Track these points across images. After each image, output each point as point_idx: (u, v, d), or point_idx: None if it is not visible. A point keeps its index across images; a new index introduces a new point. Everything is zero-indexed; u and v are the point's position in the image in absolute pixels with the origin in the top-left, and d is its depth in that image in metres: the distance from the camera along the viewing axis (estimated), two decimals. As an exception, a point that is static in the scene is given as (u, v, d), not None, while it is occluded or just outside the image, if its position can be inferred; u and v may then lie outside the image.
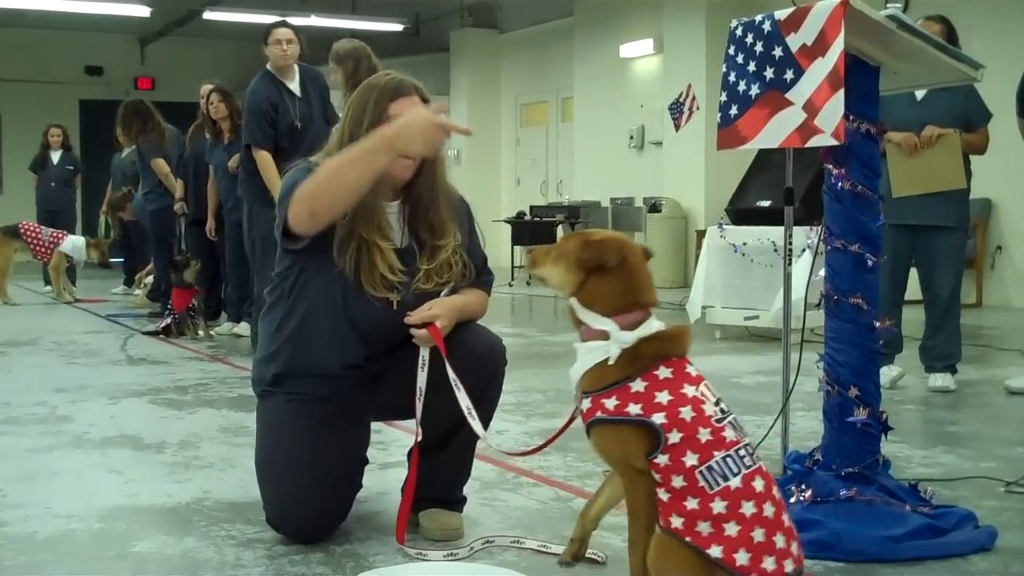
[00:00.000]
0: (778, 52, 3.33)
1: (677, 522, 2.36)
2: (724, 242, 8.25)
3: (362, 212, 3.04)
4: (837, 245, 3.34)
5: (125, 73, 21.53)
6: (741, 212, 8.82)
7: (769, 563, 2.33)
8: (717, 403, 2.48)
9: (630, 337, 2.47)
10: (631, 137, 16.09)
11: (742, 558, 2.31)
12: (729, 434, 2.42)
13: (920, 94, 5.80)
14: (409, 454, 3.36)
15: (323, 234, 3.00)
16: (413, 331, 3.10)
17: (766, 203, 8.50)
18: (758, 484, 2.38)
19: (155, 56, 21.58)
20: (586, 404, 2.51)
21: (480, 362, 3.20)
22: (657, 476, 2.40)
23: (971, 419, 5.21)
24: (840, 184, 3.33)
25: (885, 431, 3.34)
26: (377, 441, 4.35)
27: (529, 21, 18.53)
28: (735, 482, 2.36)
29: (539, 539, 3.14)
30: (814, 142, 3.28)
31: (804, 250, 7.17)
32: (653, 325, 2.51)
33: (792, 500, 3.26)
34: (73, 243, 11.57)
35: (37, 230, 11.67)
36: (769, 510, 2.37)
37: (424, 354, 3.12)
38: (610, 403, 2.45)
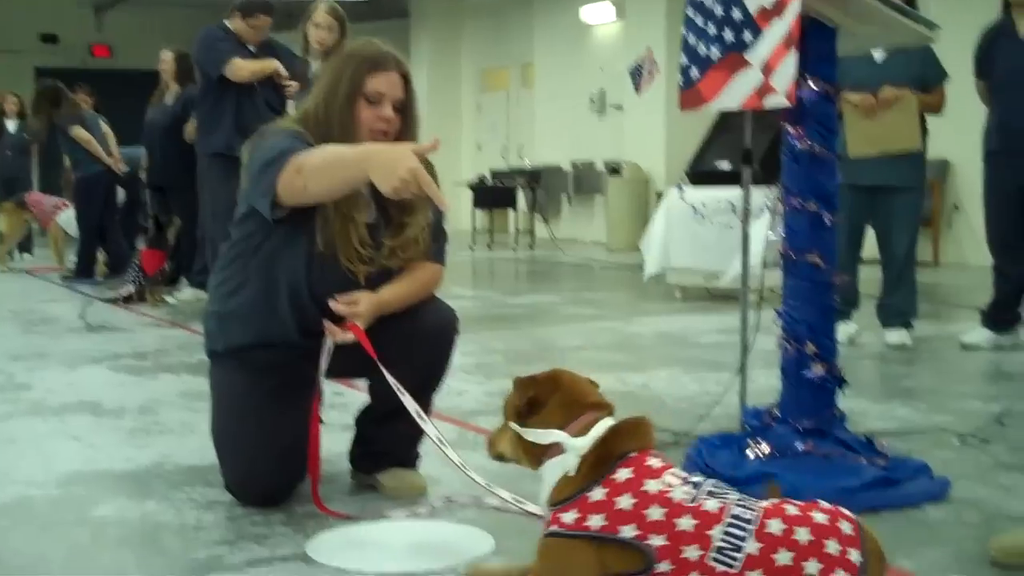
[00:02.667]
0: (737, 14, 3.34)
1: None
2: (684, 204, 8.28)
3: None
4: (794, 204, 3.36)
5: (81, 40, 21.26)
6: (700, 174, 8.84)
7: None
8: (686, 482, 2.23)
9: (584, 442, 2.27)
10: (592, 101, 16.08)
11: None
12: (711, 505, 2.16)
13: (879, 56, 5.83)
14: (357, 420, 3.37)
15: (311, 210, 2.95)
16: (328, 326, 3.02)
17: (725, 165, 8.52)
18: (774, 527, 2.12)
19: (111, 23, 21.28)
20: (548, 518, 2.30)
21: (433, 339, 3.20)
22: None
23: (926, 374, 5.28)
24: (797, 144, 3.35)
25: (841, 386, 3.38)
26: (339, 403, 4.37)
27: (489, -15, 18.45)
28: (752, 547, 2.10)
29: (499, 496, 3.15)
30: (768, 101, 3.31)
31: (762, 210, 7.20)
32: (607, 422, 2.32)
33: (750, 455, 3.30)
34: (69, 216, 11.51)
35: (41, 200, 11.72)
36: (804, 535, 2.10)
37: (328, 344, 3.05)
38: (569, 516, 2.21)
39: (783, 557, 2.08)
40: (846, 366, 3.46)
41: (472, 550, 2.75)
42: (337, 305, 3.02)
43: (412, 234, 3.13)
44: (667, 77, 12.64)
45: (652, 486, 2.19)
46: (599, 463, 2.25)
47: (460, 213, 16.23)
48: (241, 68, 6.84)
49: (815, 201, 3.32)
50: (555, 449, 2.29)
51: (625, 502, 2.17)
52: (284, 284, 3.05)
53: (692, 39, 3.54)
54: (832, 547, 2.09)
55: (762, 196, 6.85)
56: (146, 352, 6.09)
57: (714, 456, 3.38)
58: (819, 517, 2.14)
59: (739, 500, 2.18)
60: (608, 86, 15.73)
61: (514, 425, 2.37)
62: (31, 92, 11.23)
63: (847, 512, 2.19)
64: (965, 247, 11.47)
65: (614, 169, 14.65)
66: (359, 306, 3.03)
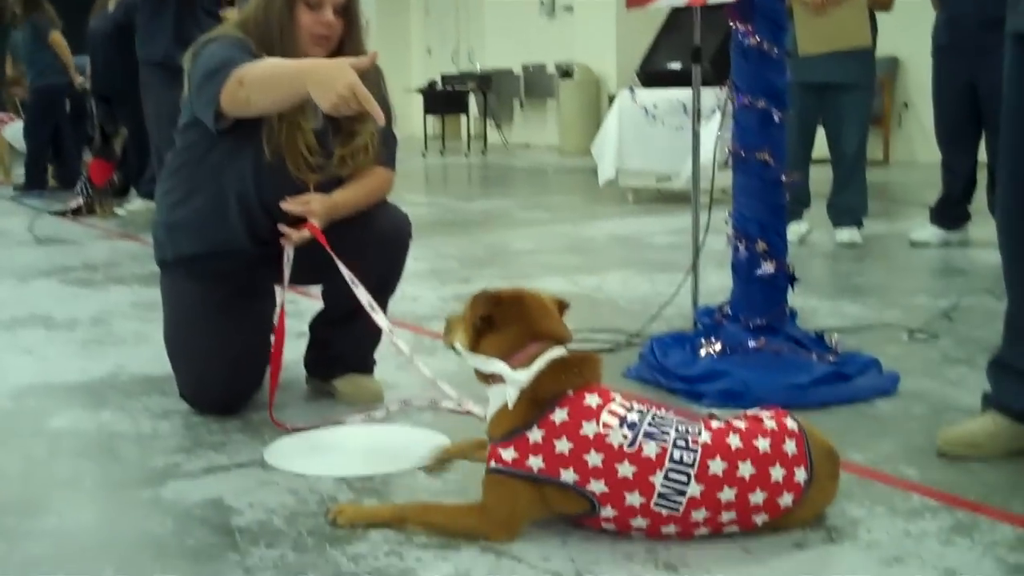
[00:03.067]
0: (682, -92, 3.31)
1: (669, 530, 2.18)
2: (635, 105, 8.25)
3: None
4: (744, 102, 3.36)
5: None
6: (651, 75, 8.81)
7: (787, 499, 2.16)
8: (623, 422, 2.16)
9: (524, 376, 2.19)
10: (541, 3, 15.91)
11: (759, 519, 2.16)
12: (650, 450, 2.12)
13: (827, -49, 5.79)
14: (311, 325, 3.38)
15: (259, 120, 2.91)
16: (283, 228, 2.99)
17: (676, 65, 8.49)
18: (716, 467, 2.12)
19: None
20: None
21: (387, 244, 3.18)
22: (609, 526, 2.19)
23: (876, 271, 5.33)
24: (747, 41, 3.34)
25: (792, 283, 3.41)
26: (292, 311, 4.35)
27: None
28: (694, 489, 2.11)
29: (455, 399, 3.17)
30: (713, -3, 3.29)
31: (714, 111, 7.20)
32: (552, 354, 2.23)
33: (702, 353, 3.33)
34: (15, 130, 11.27)
35: None
36: (747, 469, 2.12)
37: (288, 251, 3.03)
38: (508, 454, 2.18)
39: (727, 494, 2.11)
40: (797, 264, 3.49)
41: (428, 453, 2.77)
42: (290, 205, 2.99)
43: (362, 142, 3.09)
44: (617, -23, 12.53)
45: (589, 429, 2.14)
46: (536, 402, 2.19)
47: (411, 119, 16.11)
48: None
49: (764, 98, 3.32)
50: (499, 376, 2.23)
51: (563, 446, 2.13)
52: (232, 193, 3.02)
53: (639, -65, 3.51)
54: (776, 474, 2.13)
55: (713, 96, 6.86)
56: (97, 264, 6.04)
57: (667, 355, 3.41)
58: (762, 445, 2.15)
59: (678, 438, 2.14)
60: (558, -13, 15.58)
61: (460, 347, 2.33)
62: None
63: (792, 426, 2.21)
64: (915, 145, 11.54)
65: (565, 72, 14.55)
66: (312, 205, 2.99)
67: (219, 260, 3.10)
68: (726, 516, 2.13)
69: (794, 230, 5.94)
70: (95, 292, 5.19)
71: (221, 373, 3.08)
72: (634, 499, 2.12)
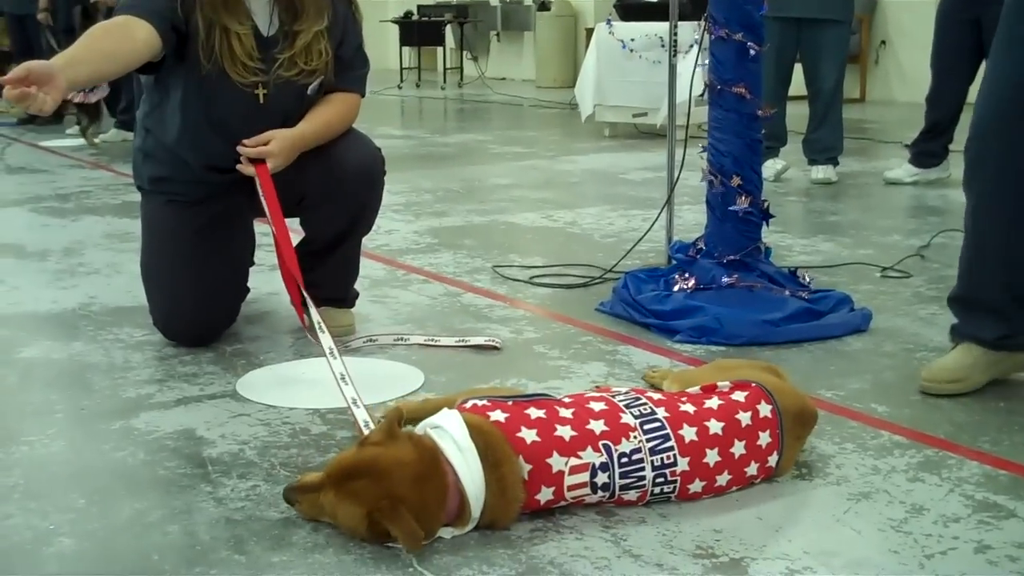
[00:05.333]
0: None
1: None
2: (613, 39, 8.19)
3: None
4: (721, 35, 3.34)
5: None
6: (629, 8, 8.74)
7: (756, 479, 2.14)
8: (595, 487, 1.99)
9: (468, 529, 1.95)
10: (519, -68, 15.74)
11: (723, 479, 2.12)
12: (631, 496, 2.03)
13: None
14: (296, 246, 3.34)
15: (190, 34, 2.86)
16: (240, 168, 2.94)
17: (655, -2, 8.42)
18: (696, 486, 2.06)
19: None
20: None
21: (360, 180, 3.12)
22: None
23: (851, 209, 5.34)
24: (724, -28, 3.31)
25: (766, 219, 3.41)
26: (267, 244, 4.33)
27: None
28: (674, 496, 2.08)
29: (426, 333, 3.17)
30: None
31: (692, 45, 7.15)
32: (477, 507, 1.92)
33: (676, 288, 3.33)
34: None
35: None
36: (724, 479, 2.08)
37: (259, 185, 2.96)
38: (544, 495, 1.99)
39: (704, 495, 2.08)
40: (772, 201, 3.49)
41: (403, 386, 2.78)
42: (245, 148, 2.93)
43: (304, 40, 2.99)
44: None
45: (565, 499, 1.99)
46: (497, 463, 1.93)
47: (387, 51, 15.96)
48: None
49: (741, 31, 3.29)
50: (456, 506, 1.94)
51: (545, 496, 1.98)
52: (182, 118, 2.97)
53: None
54: (752, 469, 2.10)
55: (691, 30, 6.82)
56: (69, 194, 5.98)
57: (640, 290, 3.41)
58: (737, 449, 2.07)
59: (657, 476, 2.01)
60: (536, -83, 15.38)
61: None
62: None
63: (765, 413, 2.12)
64: (892, 83, 11.52)
65: (543, 4, 14.43)
66: (270, 145, 2.93)
67: (189, 186, 3.06)
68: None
69: (770, 167, 5.93)
70: (67, 222, 5.15)
71: (194, 302, 3.06)
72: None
